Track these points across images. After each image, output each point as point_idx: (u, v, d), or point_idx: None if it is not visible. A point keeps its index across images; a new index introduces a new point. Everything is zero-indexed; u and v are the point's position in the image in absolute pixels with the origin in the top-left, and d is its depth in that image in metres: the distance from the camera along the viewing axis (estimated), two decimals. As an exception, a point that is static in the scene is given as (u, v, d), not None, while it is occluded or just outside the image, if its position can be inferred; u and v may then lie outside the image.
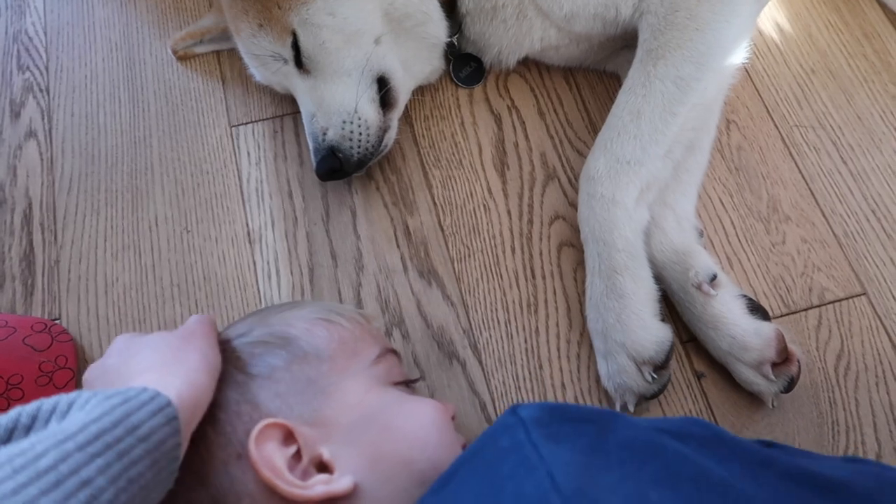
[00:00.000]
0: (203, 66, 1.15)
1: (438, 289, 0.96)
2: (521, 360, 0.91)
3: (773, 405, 0.85)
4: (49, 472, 0.41)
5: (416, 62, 1.01)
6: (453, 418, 0.71)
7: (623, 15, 0.95)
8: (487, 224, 0.99)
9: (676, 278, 0.87)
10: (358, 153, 0.94)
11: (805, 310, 0.92)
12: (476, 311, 0.94)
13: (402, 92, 0.99)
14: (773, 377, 0.82)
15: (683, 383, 0.88)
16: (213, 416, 0.59)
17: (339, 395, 0.63)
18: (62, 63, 1.16)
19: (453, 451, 0.63)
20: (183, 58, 1.15)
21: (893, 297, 0.92)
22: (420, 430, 0.64)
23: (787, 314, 0.92)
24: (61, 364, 0.89)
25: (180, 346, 0.61)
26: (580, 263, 0.94)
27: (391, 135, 0.99)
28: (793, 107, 1.06)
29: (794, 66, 1.09)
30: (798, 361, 0.83)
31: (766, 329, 0.83)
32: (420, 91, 1.08)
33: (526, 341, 0.92)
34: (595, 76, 1.11)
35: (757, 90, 1.08)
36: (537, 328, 0.92)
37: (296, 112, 1.08)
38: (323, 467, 0.59)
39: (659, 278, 0.87)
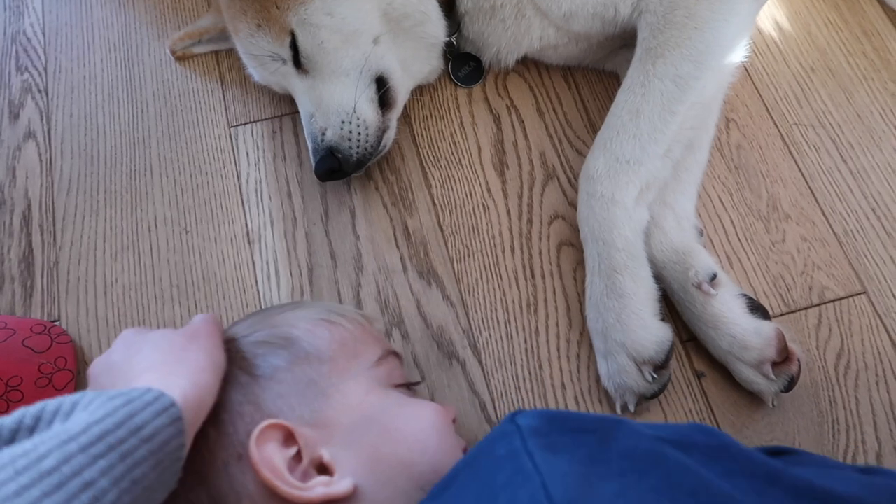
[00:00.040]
0: (202, 67, 1.15)
1: (438, 289, 0.95)
2: (521, 359, 0.90)
3: (773, 404, 0.85)
4: (52, 474, 0.41)
5: (414, 62, 1.01)
6: (454, 421, 0.71)
7: (622, 14, 0.95)
8: (487, 224, 0.99)
9: (676, 278, 0.87)
10: (357, 153, 0.94)
11: (805, 309, 0.92)
12: (476, 311, 0.94)
13: (401, 92, 0.99)
14: (773, 376, 0.82)
15: (683, 383, 0.88)
16: (215, 415, 0.59)
17: (339, 397, 0.63)
18: (61, 64, 1.16)
19: (454, 455, 0.63)
20: (181, 58, 1.15)
21: (893, 295, 0.92)
22: (420, 433, 0.64)
23: (787, 313, 0.92)
24: (61, 366, 0.89)
25: (185, 345, 0.61)
26: (580, 263, 0.94)
27: (390, 135, 0.99)
28: (792, 105, 1.06)
29: (794, 64, 1.09)
30: (798, 360, 0.83)
31: (767, 328, 0.83)
32: (419, 91, 1.08)
33: (526, 341, 0.92)
34: (594, 75, 1.11)
35: (756, 88, 1.07)
36: (537, 328, 0.92)
37: (294, 112, 1.08)
38: (323, 469, 0.58)
39: (659, 278, 0.87)
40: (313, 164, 0.95)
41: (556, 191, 1.01)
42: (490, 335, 0.92)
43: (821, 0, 1.14)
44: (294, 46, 0.92)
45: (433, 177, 1.03)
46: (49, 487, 0.41)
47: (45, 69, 1.15)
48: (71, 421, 0.46)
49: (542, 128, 1.06)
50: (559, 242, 0.97)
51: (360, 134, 0.93)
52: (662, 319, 0.85)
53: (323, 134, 0.94)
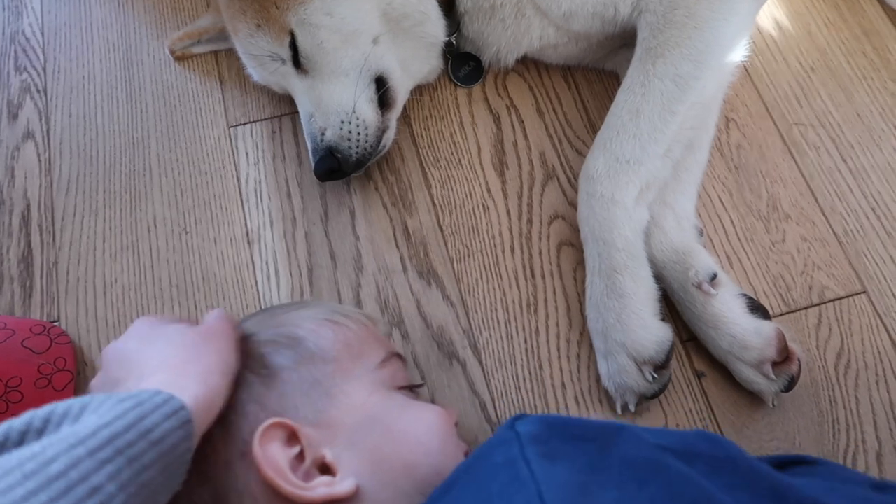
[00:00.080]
0: (201, 67, 1.15)
1: (438, 289, 0.95)
2: (521, 360, 0.90)
3: (773, 404, 0.85)
4: (59, 479, 0.41)
5: (414, 62, 1.01)
6: (456, 424, 0.71)
7: (622, 13, 0.95)
8: (487, 224, 0.99)
9: (676, 277, 0.87)
10: (356, 153, 0.94)
11: (805, 308, 0.92)
12: (476, 311, 0.94)
13: (401, 92, 0.99)
14: (773, 376, 0.82)
15: (684, 383, 0.88)
16: (221, 414, 0.59)
17: (343, 397, 0.63)
18: (60, 64, 1.15)
19: (455, 458, 0.63)
20: (181, 58, 1.15)
21: (893, 295, 0.92)
22: (423, 435, 0.64)
23: (787, 313, 0.92)
24: (60, 366, 0.89)
25: (200, 346, 0.60)
26: (580, 263, 0.94)
27: (390, 135, 0.99)
28: (792, 105, 1.06)
29: (794, 63, 1.09)
30: (798, 360, 0.83)
31: (767, 328, 0.83)
32: (418, 91, 1.08)
33: (526, 341, 0.91)
34: (594, 75, 1.11)
35: (756, 88, 1.07)
36: (537, 328, 0.92)
37: (294, 112, 1.07)
38: (325, 469, 0.58)
39: (659, 278, 0.87)
40: (313, 164, 0.95)
41: (555, 191, 1.01)
42: (490, 335, 0.92)
43: (820, -1, 1.14)
44: (293, 46, 0.92)
45: (433, 177, 1.03)
46: (56, 493, 0.41)
47: (44, 69, 1.15)
48: (80, 423, 0.46)
49: (541, 127, 1.06)
50: (559, 242, 0.97)
51: (359, 134, 0.93)
52: (663, 319, 0.85)
53: (322, 134, 0.93)
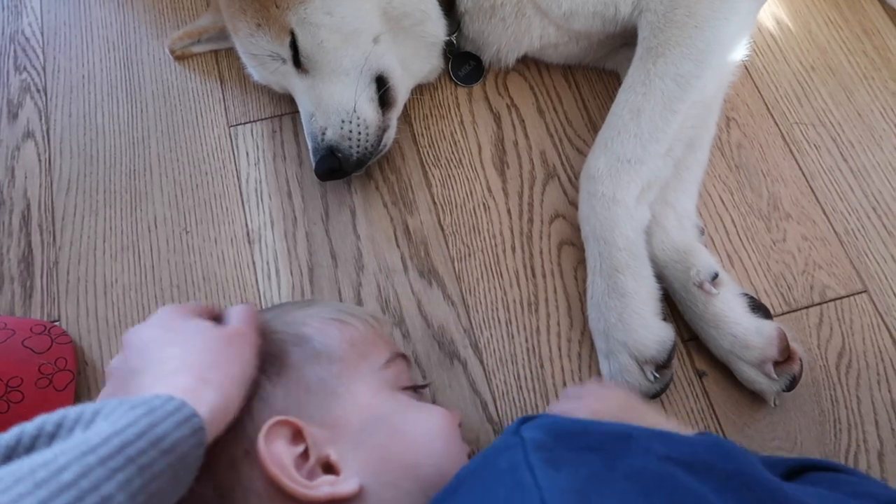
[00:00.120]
0: (201, 66, 1.15)
1: (439, 288, 0.95)
2: (523, 359, 0.90)
3: (774, 404, 0.85)
4: (70, 488, 0.41)
5: (414, 61, 1.01)
6: (459, 425, 0.70)
7: (622, 13, 0.95)
8: (487, 223, 0.99)
9: (678, 277, 0.87)
10: (357, 153, 0.94)
11: (806, 308, 0.92)
12: (477, 310, 0.94)
13: (401, 91, 0.99)
14: (774, 376, 0.82)
15: (685, 382, 0.88)
16: None
17: (349, 397, 0.63)
18: (59, 63, 1.15)
19: (459, 460, 0.63)
20: (181, 57, 1.14)
21: (894, 294, 0.92)
22: (427, 436, 0.64)
23: (789, 312, 0.92)
24: (61, 366, 0.89)
25: (222, 350, 0.59)
26: (581, 262, 0.93)
27: (390, 134, 0.98)
28: (793, 104, 1.06)
29: (794, 63, 1.09)
30: (800, 360, 0.83)
31: (768, 327, 0.83)
32: (419, 90, 1.08)
33: (527, 340, 0.91)
34: (594, 74, 1.11)
35: (757, 87, 1.07)
36: (538, 327, 0.92)
37: (294, 112, 1.07)
38: (329, 468, 0.58)
39: (660, 277, 0.87)
40: (313, 164, 0.95)
41: (556, 190, 1.01)
42: (491, 334, 0.92)
43: (821, -2, 1.14)
44: (294, 46, 0.92)
45: (433, 176, 1.03)
46: (67, 502, 0.41)
47: (44, 69, 1.15)
48: (91, 430, 0.46)
49: (542, 127, 1.06)
50: (560, 242, 0.97)
51: (360, 133, 0.93)
52: (664, 319, 0.85)
53: (323, 133, 0.93)
